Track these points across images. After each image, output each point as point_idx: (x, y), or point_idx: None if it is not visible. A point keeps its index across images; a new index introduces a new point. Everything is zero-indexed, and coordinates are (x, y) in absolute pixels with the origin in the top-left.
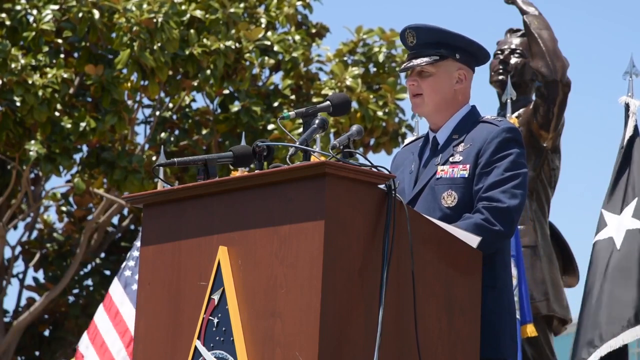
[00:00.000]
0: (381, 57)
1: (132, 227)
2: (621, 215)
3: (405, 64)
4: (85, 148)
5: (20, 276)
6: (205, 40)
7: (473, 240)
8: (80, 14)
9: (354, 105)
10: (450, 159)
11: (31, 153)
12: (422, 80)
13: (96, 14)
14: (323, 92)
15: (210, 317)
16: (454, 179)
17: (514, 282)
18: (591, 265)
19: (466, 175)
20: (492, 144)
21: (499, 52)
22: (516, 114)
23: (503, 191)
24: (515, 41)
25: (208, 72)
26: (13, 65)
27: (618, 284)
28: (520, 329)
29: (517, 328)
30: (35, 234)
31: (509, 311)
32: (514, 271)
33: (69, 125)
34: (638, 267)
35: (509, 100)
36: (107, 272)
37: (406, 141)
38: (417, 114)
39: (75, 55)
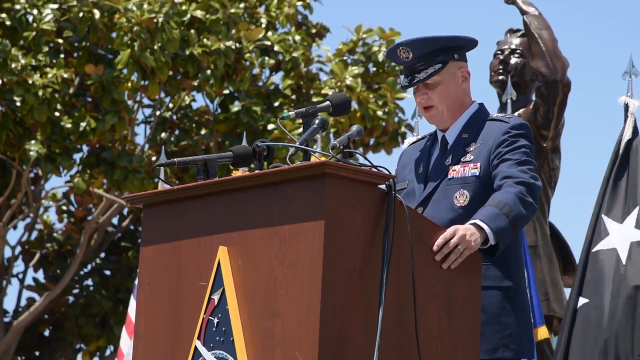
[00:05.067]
0: (381, 57)
1: (132, 227)
2: (623, 225)
3: (409, 80)
4: (85, 148)
5: (20, 276)
6: (205, 41)
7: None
8: (81, 14)
9: (354, 105)
10: (462, 159)
11: (31, 153)
12: (431, 91)
13: (96, 13)
14: (323, 91)
15: (210, 317)
16: (465, 178)
17: None
18: (592, 274)
19: (477, 174)
20: (503, 138)
21: (499, 52)
22: (516, 114)
23: (523, 171)
24: (515, 41)
25: (208, 72)
26: (13, 65)
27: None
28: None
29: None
30: (35, 234)
31: (524, 310)
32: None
33: (69, 125)
34: None
35: (509, 100)
36: (107, 272)
37: (410, 140)
38: (432, 123)
39: (75, 55)
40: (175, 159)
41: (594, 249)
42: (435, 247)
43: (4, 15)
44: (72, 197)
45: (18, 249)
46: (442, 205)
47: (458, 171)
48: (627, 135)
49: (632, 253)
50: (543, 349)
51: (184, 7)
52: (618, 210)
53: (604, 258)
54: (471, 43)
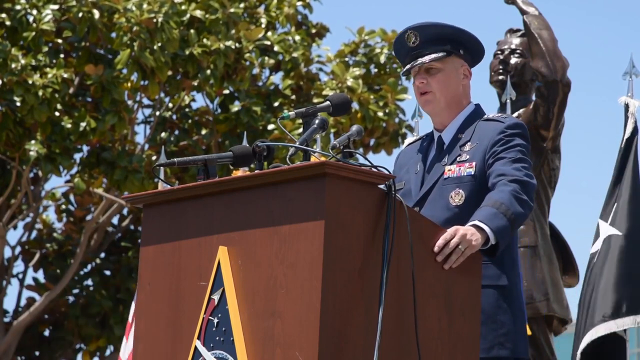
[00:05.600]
0: (382, 58)
1: (132, 227)
2: (608, 223)
3: (412, 63)
4: (85, 148)
5: (20, 276)
6: (205, 40)
7: (491, 236)
8: (80, 14)
9: (355, 105)
10: (458, 159)
11: (31, 153)
12: (431, 77)
13: (96, 14)
14: (324, 92)
15: (210, 317)
16: (460, 177)
17: None
18: (585, 277)
19: (473, 173)
20: (498, 137)
21: (499, 52)
22: (516, 114)
23: (517, 169)
24: (515, 41)
25: (208, 72)
26: (13, 65)
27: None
28: None
29: None
30: (35, 234)
31: (520, 309)
32: None
33: (69, 125)
34: (604, 272)
35: (508, 100)
36: (107, 272)
37: (408, 140)
38: (428, 111)
39: (75, 55)
40: (175, 159)
41: (590, 252)
42: (436, 249)
43: (4, 15)
44: (71, 197)
45: (18, 249)
46: (438, 205)
47: (454, 171)
48: (626, 136)
49: (601, 250)
50: (542, 349)
51: (183, 7)
52: (609, 210)
53: (591, 261)
54: (478, 47)
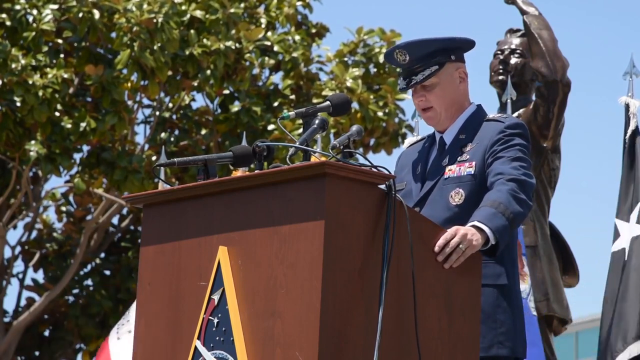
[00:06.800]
0: (381, 58)
1: (132, 227)
2: (630, 223)
3: (407, 83)
4: (85, 148)
5: (20, 276)
6: (205, 41)
7: (490, 236)
8: (81, 14)
9: (354, 105)
10: (458, 159)
11: (31, 153)
12: (429, 93)
13: (96, 14)
14: (323, 92)
15: (210, 317)
16: (461, 177)
17: (528, 280)
18: (608, 276)
19: (473, 172)
20: (498, 137)
21: (499, 52)
22: (516, 114)
23: (515, 168)
24: (515, 41)
25: (208, 72)
26: (13, 65)
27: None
28: None
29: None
30: (34, 234)
31: (518, 308)
32: (526, 269)
33: (69, 125)
34: None
35: (509, 101)
36: (107, 272)
37: (409, 141)
38: (431, 125)
39: (75, 55)
40: (175, 159)
41: (611, 251)
42: (436, 249)
43: (4, 15)
44: (70, 198)
45: (18, 249)
46: (438, 205)
47: (454, 170)
48: (628, 135)
49: (633, 249)
50: (542, 349)
51: (183, 7)
52: (627, 210)
53: (616, 259)
54: (467, 44)
